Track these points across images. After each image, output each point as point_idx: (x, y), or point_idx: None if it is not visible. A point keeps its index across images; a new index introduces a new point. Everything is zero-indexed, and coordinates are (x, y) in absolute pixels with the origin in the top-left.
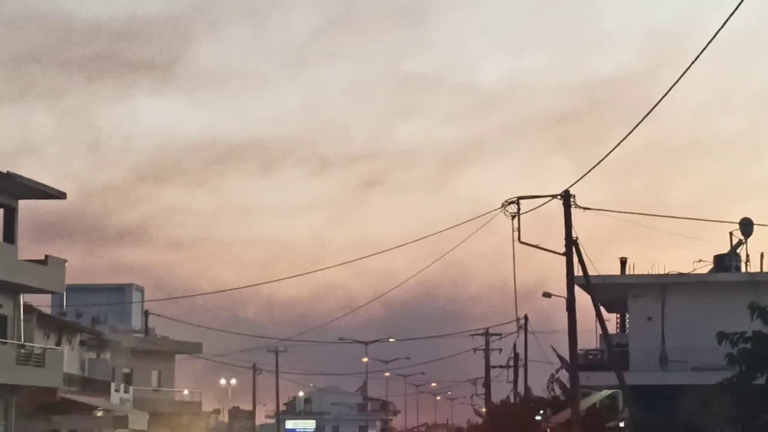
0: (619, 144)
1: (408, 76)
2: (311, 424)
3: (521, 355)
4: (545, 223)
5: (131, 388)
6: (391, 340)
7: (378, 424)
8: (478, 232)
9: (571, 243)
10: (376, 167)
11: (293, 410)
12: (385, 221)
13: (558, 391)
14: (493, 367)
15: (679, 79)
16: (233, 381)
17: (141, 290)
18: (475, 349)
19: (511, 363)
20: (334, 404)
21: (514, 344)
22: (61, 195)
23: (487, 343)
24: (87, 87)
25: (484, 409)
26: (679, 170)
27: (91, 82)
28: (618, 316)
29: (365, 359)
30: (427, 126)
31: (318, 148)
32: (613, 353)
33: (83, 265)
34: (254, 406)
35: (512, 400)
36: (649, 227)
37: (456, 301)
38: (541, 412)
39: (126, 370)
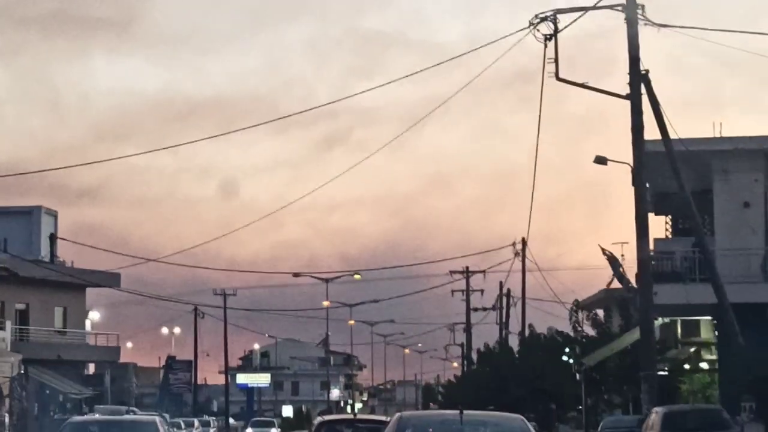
0: None
1: (368, 34)
2: (265, 378)
3: (513, 293)
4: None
5: (8, 325)
6: (356, 276)
7: (341, 379)
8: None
9: (639, 76)
10: (336, 126)
11: (250, 366)
12: (346, 180)
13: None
14: (475, 309)
15: None
16: (177, 330)
17: (53, 215)
18: (453, 291)
19: (497, 309)
20: (294, 358)
21: (504, 278)
22: None
23: (467, 282)
24: (44, 45)
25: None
26: None
27: (48, 40)
28: (669, 218)
29: (326, 302)
30: (388, 85)
31: (278, 107)
32: (710, 255)
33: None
34: (195, 355)
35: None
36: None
37: (430, 246)
38: (567, 350)
39: (20, 306)
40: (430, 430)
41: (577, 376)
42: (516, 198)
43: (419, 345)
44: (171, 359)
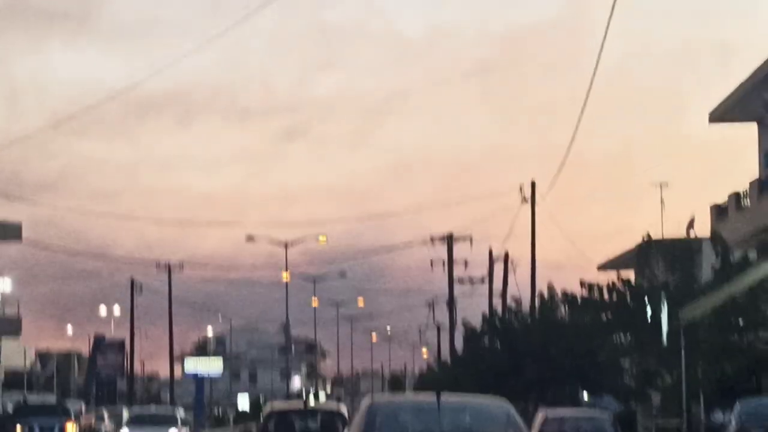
0: None
1: (328, 26)
2: (217, 364)
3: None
4: None
5: None
6: (321, 239)
7: (303, 368)
8: None
9: None
10: (296, 119)
11: (204, 353)
12: (306, 173)
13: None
14: (461, 282)
15: None
16: (117, 308)
17: None
18: (433, 261)
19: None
20: (252, 345)
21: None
22: None
23: (450, 248)
24: (1, 37)
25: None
26: None
27: (4, 32)
28: None
29: (286, 274)
30: (348, 77)
31: (237, 99)
32: None
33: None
34: (132, 335)
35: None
36: None
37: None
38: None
39: None
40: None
41: (664, 339)
42: (477, 190)
43: (387, 328)
44: (99, 339)
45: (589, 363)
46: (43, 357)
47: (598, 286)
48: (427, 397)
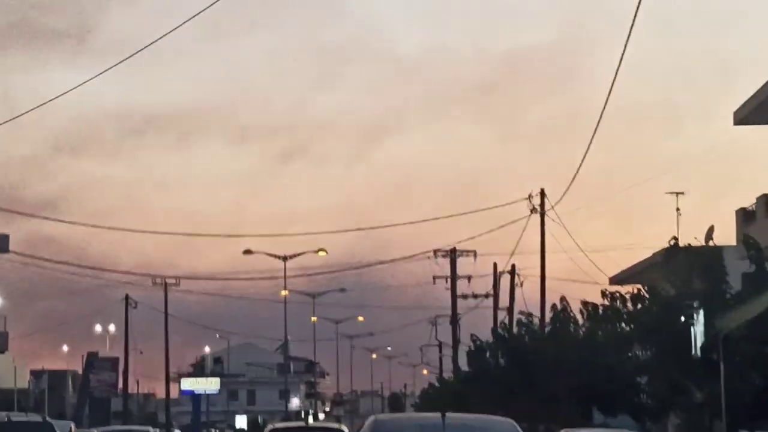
0: None
1: (326, 46)
2: (214, 383)
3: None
4: None
5: None
6: (321, 253)
7: (302, 387)
8: None
9: None
10: (295, 138)
11: (201, 372)
12: (305, 193)
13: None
14: (465, 297)
15: None
16: (111, 327)
17: None
18: (435, 277)
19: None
20: (250, 364)
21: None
22: None
23: (453, 262)
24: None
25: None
26: None
27: (3, 53)
28: None
29: (285, 291)
30: (347, 97)
31: (236, 119)
32: None
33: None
34: (126, 352)
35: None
36: None
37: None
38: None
39: None
40: None
41: (696, 350)
42: (476, 208)
43: (388, 348)
44: (92, 356)
45: (606, 379)
46: (37, 375)
47: (621, 294)
48: (431, 416)
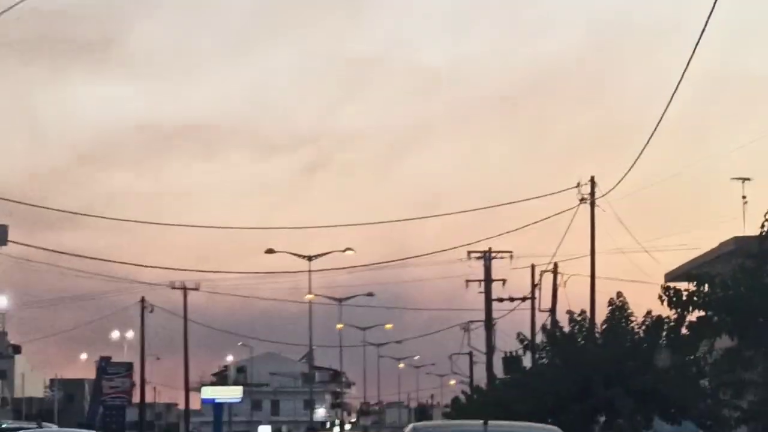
0: None
1: (351, 58)
2: (237, 392)
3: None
4: None
5: None
6: (348, 252)
7: (327, 397)
8: None
9: None
10: (320, 151)
11: (224, 382)
12: (330, 205)
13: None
14: (500, 300)
15: None
16: (130, 333)
17: None
18: (468, 281)
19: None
20: (274, 374)
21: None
22: None
23: (488, 261)
24: (23, 69)
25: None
26: None
27: (26, 65)
28: None
29: (310, 296)
30: (372, 109)
31: (261, 131)
32: None
33: (24, 251)
34: (142, 357)
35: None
36: None
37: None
38: None
39: None
40: None
41: None
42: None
43: (416, 357)
44: (104, 361)
45: (675, 382)
46: (58, 385)
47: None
48: (472, 423)
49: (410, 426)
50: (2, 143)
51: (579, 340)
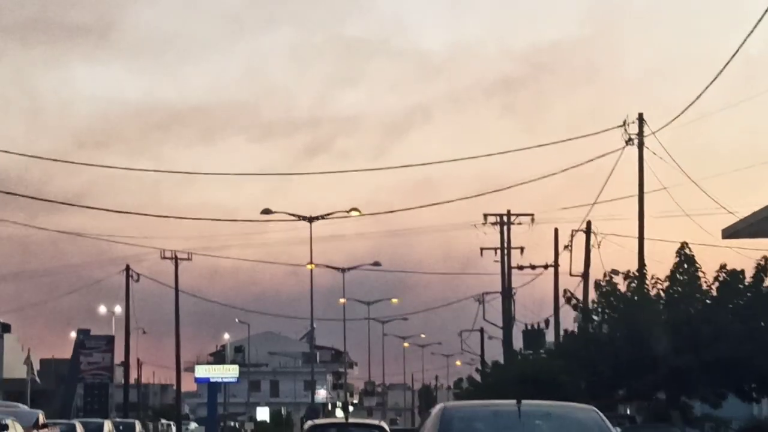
0: None
1: (350, 42)
2: (232, 370)
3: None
4: None
5: None
6: (353, 213)
7: (329, 378)
8: None
9: None
10: (318, 134)
11: (222, 361)
12: (328, 188)
13: None
14: (520, 267)
15: None
16: (117, 308)
17: None
18: (483, 249)
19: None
20: (273, 354)
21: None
22: None
23: (507, 225)
24: (22, 53)
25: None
26: None
27: (25, 48)
28: None
29: (311, 265)
30: (370, 92)
31: (259, 114)
32: None
33: (25, 233)
34: (127, 330)
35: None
36: None
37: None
38: None
39: None
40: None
41: None
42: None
43: (422, 336)
44: (83, 333)
45: (756, 351)
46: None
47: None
48: (506, 404)
49: (440, 405)
50: (2, 125)
51: (638, 300)
